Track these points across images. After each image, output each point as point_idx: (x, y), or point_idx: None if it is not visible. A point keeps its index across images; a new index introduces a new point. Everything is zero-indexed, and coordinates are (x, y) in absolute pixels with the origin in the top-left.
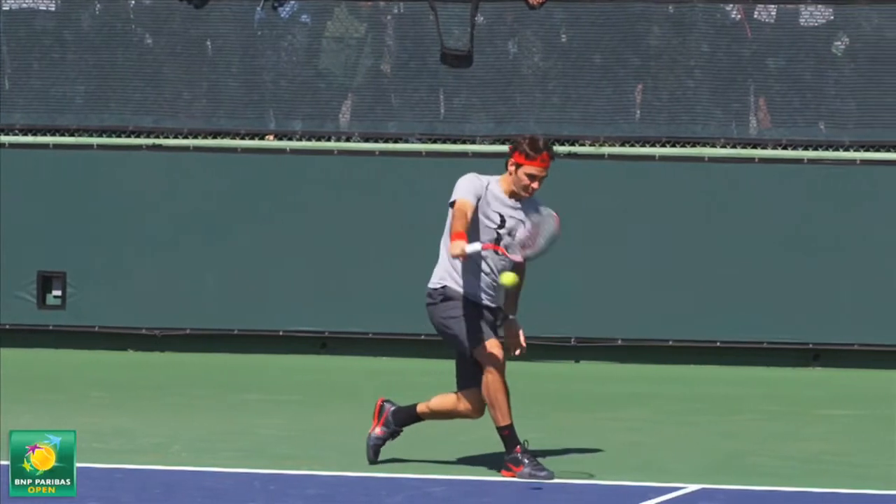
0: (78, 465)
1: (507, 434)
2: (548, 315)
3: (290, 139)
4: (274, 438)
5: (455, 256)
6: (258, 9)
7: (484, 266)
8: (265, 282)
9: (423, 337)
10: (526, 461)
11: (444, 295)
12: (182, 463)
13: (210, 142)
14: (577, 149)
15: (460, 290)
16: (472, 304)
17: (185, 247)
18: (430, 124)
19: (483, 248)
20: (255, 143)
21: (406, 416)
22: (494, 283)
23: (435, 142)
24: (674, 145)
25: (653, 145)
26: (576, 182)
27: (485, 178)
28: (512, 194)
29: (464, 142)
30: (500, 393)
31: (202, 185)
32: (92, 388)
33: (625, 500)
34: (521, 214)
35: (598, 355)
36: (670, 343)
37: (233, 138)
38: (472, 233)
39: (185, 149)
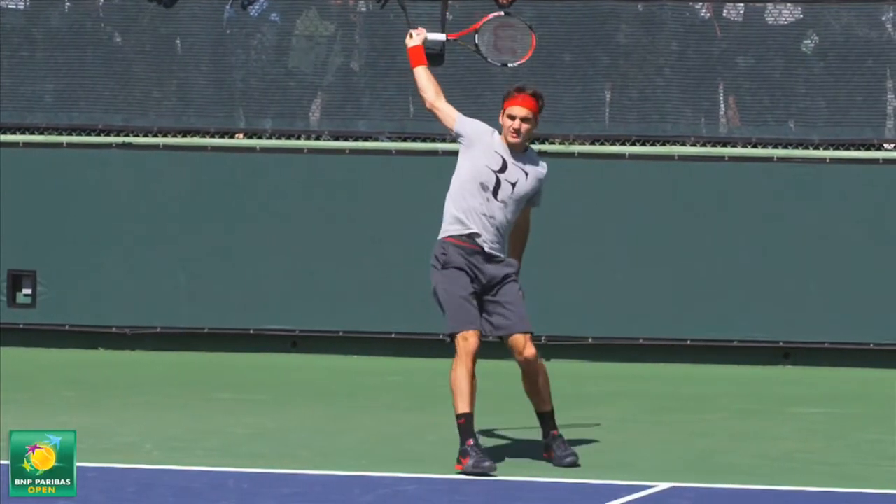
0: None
1: (462, 423)
2: None
3: (259, 137)
4: (246, 437)
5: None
6: (227, 7)
7: (480, 217)
8: (236, 280)
9: (393, 335)
10: (472, 453)
11: (444, 262)
12: (154, 462)
13: (180, 140)
14: (546, 147)
15: (460, 234)
16: (466, 269)
17: (156, 245)
18: (399, 123)
19: (450, 35)
20: (225, 141)
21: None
22: (493, 229)
23: (405, 140)
24: (644, 144)
25: (623, 144)
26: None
27: (491, 129)
28: (510, 146)
29: (433, 140)
30: (463, 381)
31: (172, 183)
32: (63, 386)
33: (595, 498)
34: (521, 168)
35: (569, 354)
36: (641, 341)
37: (202, 136)
38: (472, 172)
39: (155, 147)
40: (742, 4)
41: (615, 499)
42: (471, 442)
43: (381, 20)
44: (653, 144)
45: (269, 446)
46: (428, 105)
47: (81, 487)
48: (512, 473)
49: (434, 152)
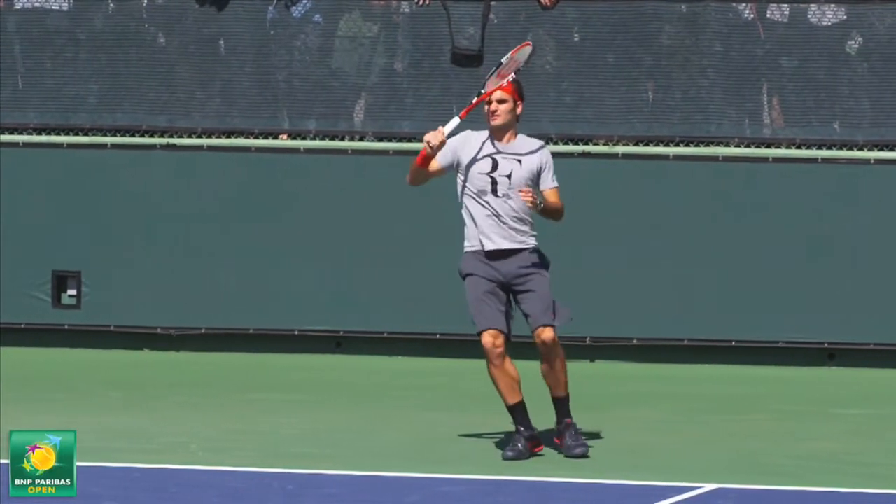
0: (94, 464)
1: (511, 412)
2: None
3: (303, 138)
4: (290, 438)
5: (431, 149)
6: (270, 8)
7: (481, 216)
8: (280, 281)
9: (437, 336)
10: (510, 443)
11: (465, 273)
12: (199, 462)
13: (224, 141)
14: (590, 148)
15: (475, 248)
16: (484, 273)
17: (201, 246)
18: (443, 124)
19: (461, 116)
20: (269, 142)
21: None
22: (503, 224)
23: None
24: (687, 144)
25: (666, 144)
26: (589, 181)
27: (475, 134)
28: (497, 137)
29: None
30: (498, 379)
31: (216, 184)
32: (107, 387)
33: (641, 499)
34: (513, 157)
35: (613, 355)
36: (685, 342)
37: (246, 137)
38: (468, 184)
39: (199, 148)
40: (786, 5)
41: (661, 500)
42: (518, 429)
43: (424, 21)
44: (697, 145)
45: (314, 447)
46: (409, 181)
47: (126, 489)
48: (556, 474)
49: None
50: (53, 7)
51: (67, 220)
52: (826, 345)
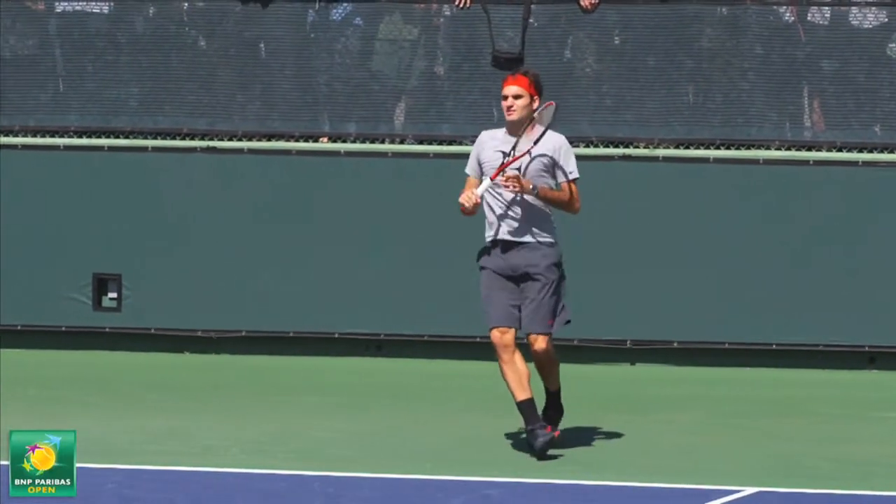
0: (133, 467)
1: (520, 409)
2: (603, 318)
3: (343, 141)
4: (330, 441)
5: (466, 210)
6: (311, 11)
7: (497, 207)
8: (320, 284)
9: (478, 339)
10: (532, 441)
11: (481, 265)
12: (239, 465)
13: (264, 144)
14: (631, 151)
15: (490, 238)
16: (495, 266)
17: (241, 249)
18: (483, 126)
19: (492, 178)
20: (310, 145)
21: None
22: (513, 216)
23: None
24: (728, 147)
25: (707, 147)
26: (630, 184)
27: (489, 133)
28: (512, 132)
29: None
30: (507, 374)
31: (257, 187)
32: (147, 390)
33: (681, 502)
34: (524, 151)
35: (654, 358)
36: (726, 345)
37: (287, 140)
38: (483, 180)
39: (240, 151)
40: (827, 7)
41: (702, 503)
42: (528, 426)
43: (464, 24)
44: (737, 148)
45: (354, 449)
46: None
47: (166, 491)
48: (596, 477)
49: None
50: (94, 10)
51: (108, 222)
52: (867, 348)
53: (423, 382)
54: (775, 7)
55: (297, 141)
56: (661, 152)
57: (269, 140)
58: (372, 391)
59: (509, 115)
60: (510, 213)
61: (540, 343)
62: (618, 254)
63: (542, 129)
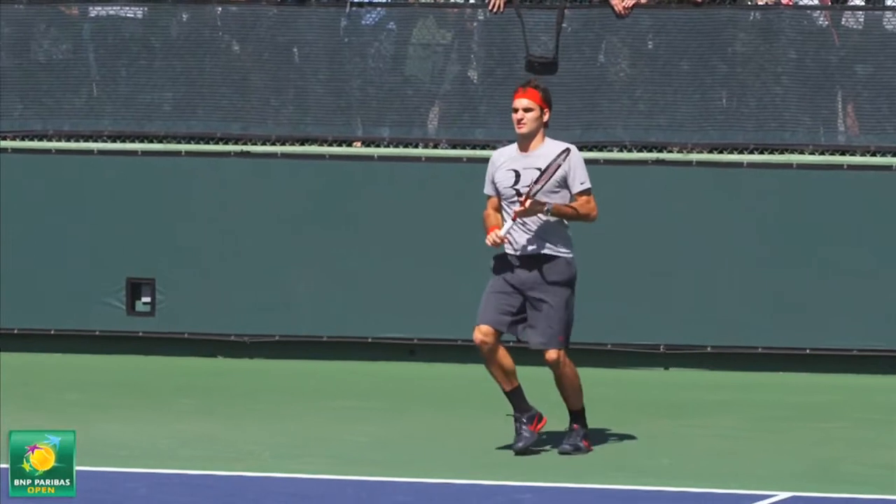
0: (167, 471)
1: (507, 397)
2: (636, 323)
3: (377, 146)
4: (363, 445)
5: (494, 244)
6: (344, 16)
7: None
8: (354, 288)
9: (511, 344)
10: (516, 436)
11: (493, 270)
12: (272, 470)
13: (298, 148)
14: (664, 155)
15: (505, 250)
16: (503, 275)
17: (274, 253)
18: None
19: (513, 220)
20: (343, 149)
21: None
22: (528, 231)
23: None
24: (762, 152)
25: (741, 152)
26: (663, 188)
27: (499, 152)
28: (523, 147)
29: None
30: (492, 372)
31: (290, 191)
32: (181, 394)
33: None
34: (534, 167)
35: (688, 362)
36: (760, 350)
37: (320, 145)
38: (501, 197)
39: (273, 155)
40: (861, 12)
41: None
42: (517, 416)
43: (498, 28)
44: (771, 153)
45: (387, 454)
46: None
47: (199, 496)
48: (631, 482)
49: None
50: (128, 15)
51: (142, 227)
52: None
53: (457, 387)
54: (809, 11)
55: (330, 145)
56: (694, 157)
57: (302, 144)
58: (405, 396)
59: (520, 128)
60: (524, 226)
61: (551, 353)
62: (651, 258)
63: (551, 141)
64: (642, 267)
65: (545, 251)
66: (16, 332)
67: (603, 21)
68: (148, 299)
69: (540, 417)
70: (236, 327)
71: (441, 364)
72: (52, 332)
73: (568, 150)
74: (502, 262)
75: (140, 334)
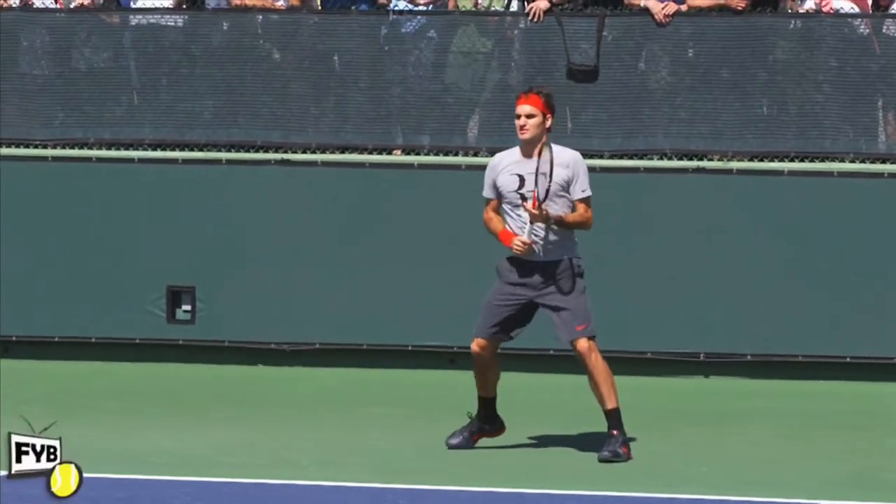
0: (207, 479)
1: (478, 400)
2: (676, 330)
3: (417, 154)
4: (403, 453)
5: (519, 251)
6: (384, 24)
7: (516, 228)
8: (394, 296)
9: (551, 352)
10: (457, 430)
11: (498, 275)
12: (312, 478)
13: (338, 157)
14: (705, 163)
15: (511, 255)
16: (509, 282)
17: (314, 261)
18: (556, 139)
19: (530, 223)
20: (383, 157)
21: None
22: (536, 235)
23: None
24: (802, 160)
25: (781, 160)
26: (704, 197)
27: (502, 155)
28: (526, 152)
29: (591, 156)
30: (476, 378)
31: (330, 199)
32: (221, 402)
33: None
34: (538, 172)
35: (727, 370)
36: (800, 358)
37: (361, 153)
38: (504, 201)
39: (314, 163)
40: None
41: None
42: (474, 420)
43: (538, 36)
44: (811, 161)
45: (428, 462)
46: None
47: (239, 503)
48: (674, 490)
49: (592, 169)
50: (168, 23)
51: (182, 235)
52: None
53: (498, 395)
54: (850, 19)
55: (370, 153)
56: (735, 165)
57: (342, 153)
58: (445, 404)
59: (522, 134)
60: (534, 234)
61: (581, 344)
62: (691, 266)
63: (555, 147)
64: (682, 275)
65: (552, 256)
66: (56, 339)
67: (643, 29)
68: (188, 307)
69: (490, 434)
70: (276, 335)
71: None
72: (93, 340)
73: (551, 156)
74: (509, 269)
75: (180, 342)
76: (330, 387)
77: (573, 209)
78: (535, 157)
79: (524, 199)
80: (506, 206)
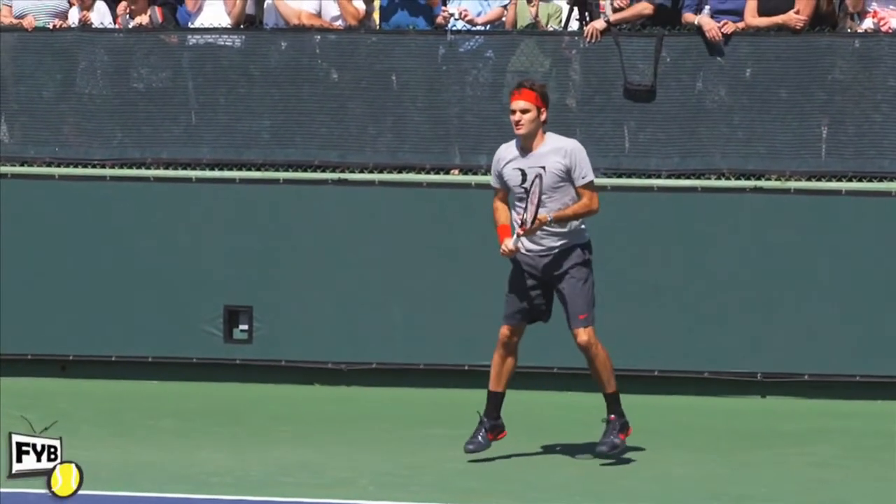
0: (266, 498)
1: (488, 397)
2: (734, 351)
3: (475, 173)
4: (461, 472)
5: (506, 254)
6: (442, 43)
7: (520, 220)
8: (451, 316)
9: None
10: (472, 435)
11: (512, 266)
12: (369, 497)
13: (395, 176)
14: (762, 183)
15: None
16: (522, 272)
17: (371, 281)
18: (614, 159)
19: (520, 232)
20: (441, 177)
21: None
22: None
23: (620, 176)
24: (860, 180)
25: (839, 180)
26: (762, 216)
27: (504, 148)
28: (523, 146)
29: (648, 176)
30: (494, 365)
31: (388, 219)
32: (278, 422)
33: None
34: (537, 165)
35: (785, 391)
36: (857, 378)
37: (418, 172)
38: (511, 194)
39: (371, 183)
40: None
41: None
42: (484, 419)
43: (596, 56)
44: (870, 180)
45: (486, 482)
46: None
47: None
48: None
49: (650, 188)
50: (227, 43)
51: (239, 254)
52: None
53: (554, 414)
54: None
55: (427, 173)
56: (792, 184)
57: (399, 172)
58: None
59: (518, 129)
60: (532, 238)
61: (582, 335)
62: (749, 286)
63: (552, 137)
64: (739, 294)
65: (558, 243)
66: (113, 359)
67: (700, 49)
68: (245, 327)
69: (502, 429)
70: (333, 355)
71: (538, 392)
72: (150, 360)
73: (539, 175)
74: (518, 262)
75: (237, 362)
76: (387, 406)
77: (576, 197)
78: (533, 152)
79: (528, 192)
80: (514, 200)
